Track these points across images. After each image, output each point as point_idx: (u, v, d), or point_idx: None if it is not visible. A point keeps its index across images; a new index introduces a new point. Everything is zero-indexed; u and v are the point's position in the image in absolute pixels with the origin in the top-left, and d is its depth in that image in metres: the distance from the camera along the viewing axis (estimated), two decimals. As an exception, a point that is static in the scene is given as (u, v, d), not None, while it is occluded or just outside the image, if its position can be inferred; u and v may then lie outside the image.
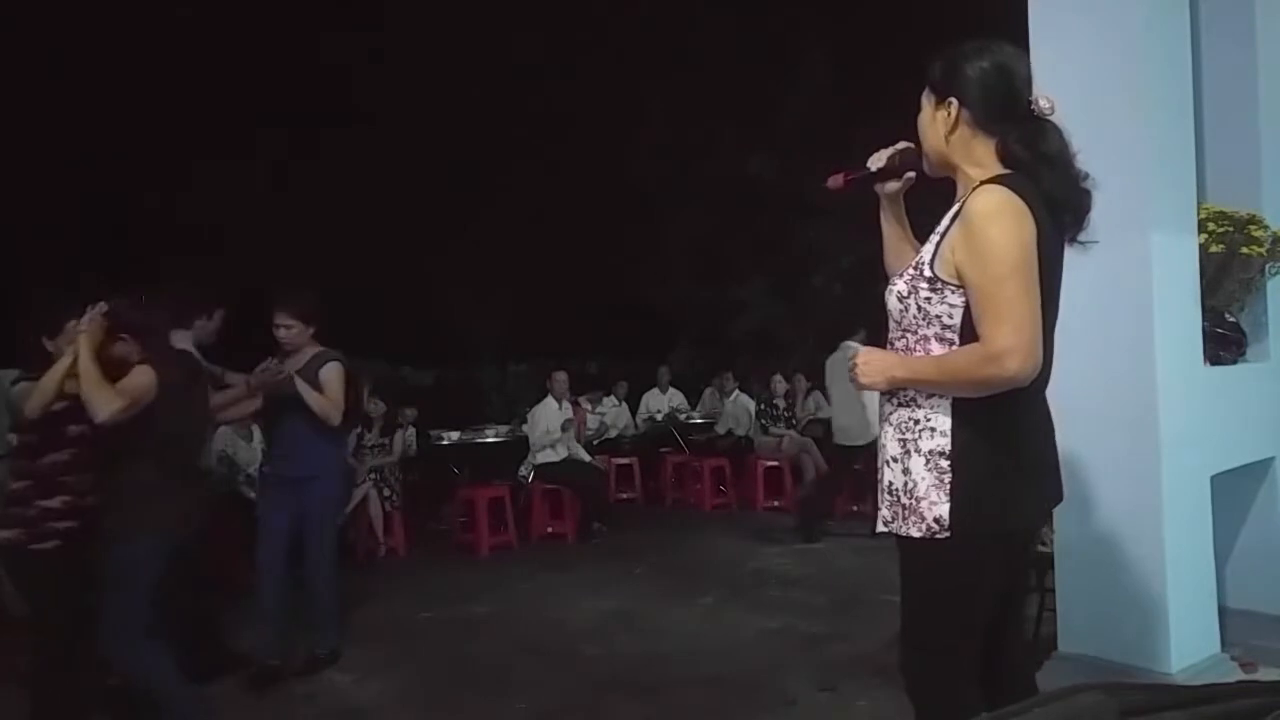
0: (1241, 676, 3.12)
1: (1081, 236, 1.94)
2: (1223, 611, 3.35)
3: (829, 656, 4.28)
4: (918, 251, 1.99)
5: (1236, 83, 3.68)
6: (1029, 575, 3.41)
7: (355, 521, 7.27)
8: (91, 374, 3.24)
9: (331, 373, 4.31)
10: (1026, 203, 1.81)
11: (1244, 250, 3.44)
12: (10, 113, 9.38)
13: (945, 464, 1.87)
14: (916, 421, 1.92)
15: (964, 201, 1.88)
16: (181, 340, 4.34)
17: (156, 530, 3.32)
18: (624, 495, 9.21)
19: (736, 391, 9.82)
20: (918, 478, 1.90)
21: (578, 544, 7.46)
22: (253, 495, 5.35)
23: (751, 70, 11.28)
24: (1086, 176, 1.91)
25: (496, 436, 8.13)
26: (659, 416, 10.25)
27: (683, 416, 10.12)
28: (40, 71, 10.03)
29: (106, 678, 3.66)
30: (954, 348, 1.88)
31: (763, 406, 9.26)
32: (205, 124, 10.75)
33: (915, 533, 1.90)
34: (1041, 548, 3.47)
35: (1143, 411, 3.03)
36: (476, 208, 11.98)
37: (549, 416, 7.75)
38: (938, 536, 1.87)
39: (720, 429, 9.65)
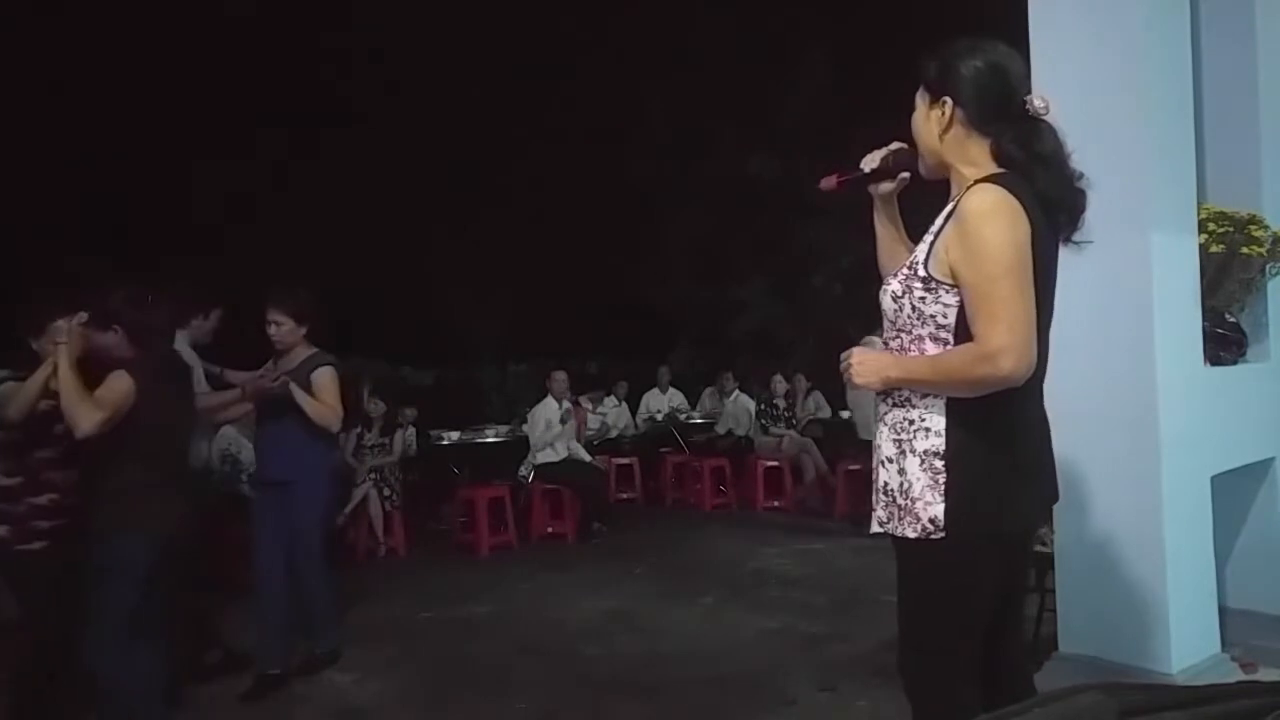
0: (1241, 677, 3.12)
1: (1076, 236, 1.94)
2: (1223, 611, 3.35)
3: (829, 656, 4.28)
4: (912, 252, 1.98)
5: (1236, 83, 3.68)
6: (1029, 575, 3.41)
7: (355, 521, 7.28)
8: (71, 387, 3.20)
9: (325, 378, 4.25)
10: (1021, 202, 1.81)
11: (1244, 250, 3.44)
12: (10, 113, 9.37)
13: (940, 464, 1.87)
14: (911, 422, 1.92)
15: (958, 201, 1.88)
16: (179, 339, 4.35)
17: (143, 529, 3.29)
18: (624, 495, 9.21)
19: (736, 391, 9.82)
20: (913, 478, 1.89)
21: (578, 544, 7.46)
22: (254, 495, 5.35)
23: (751, 70, 11.28)
24: (1081, 176, 1.91)
25: (496, 436, 8.13)
26: (659, 416, 10.26)
27: (683, 416, 10.13)
28: (40, 71, 10.03)
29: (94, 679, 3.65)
30: (949, 347, 1.88)
31: (763, 406, 9.27)
32: (205, 124, 10.75)
33: (911, 533, 1.89)
34: (1041, 548, 3.47)
35: (1143, 412, 3.03)
36: (476, 208, 11.97)
37: (549, 416, 7.75)
38: (933, 537, 1.86)
39: (720, 429, 9.65)
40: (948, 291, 1.86)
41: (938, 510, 1.86)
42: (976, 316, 1.80)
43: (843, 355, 2.02)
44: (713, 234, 12.08)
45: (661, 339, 12.65)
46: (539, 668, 4.39)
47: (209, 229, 10.72)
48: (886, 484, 1.96)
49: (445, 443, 7.90)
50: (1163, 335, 3.05)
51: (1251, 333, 3.65)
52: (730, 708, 3.77)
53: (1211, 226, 3.35)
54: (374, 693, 4.15)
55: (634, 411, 10.44)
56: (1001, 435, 1.87)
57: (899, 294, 1.94)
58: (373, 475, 7.37)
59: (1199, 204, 3.35)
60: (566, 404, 7.86)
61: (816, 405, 9.35)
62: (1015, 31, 3.10)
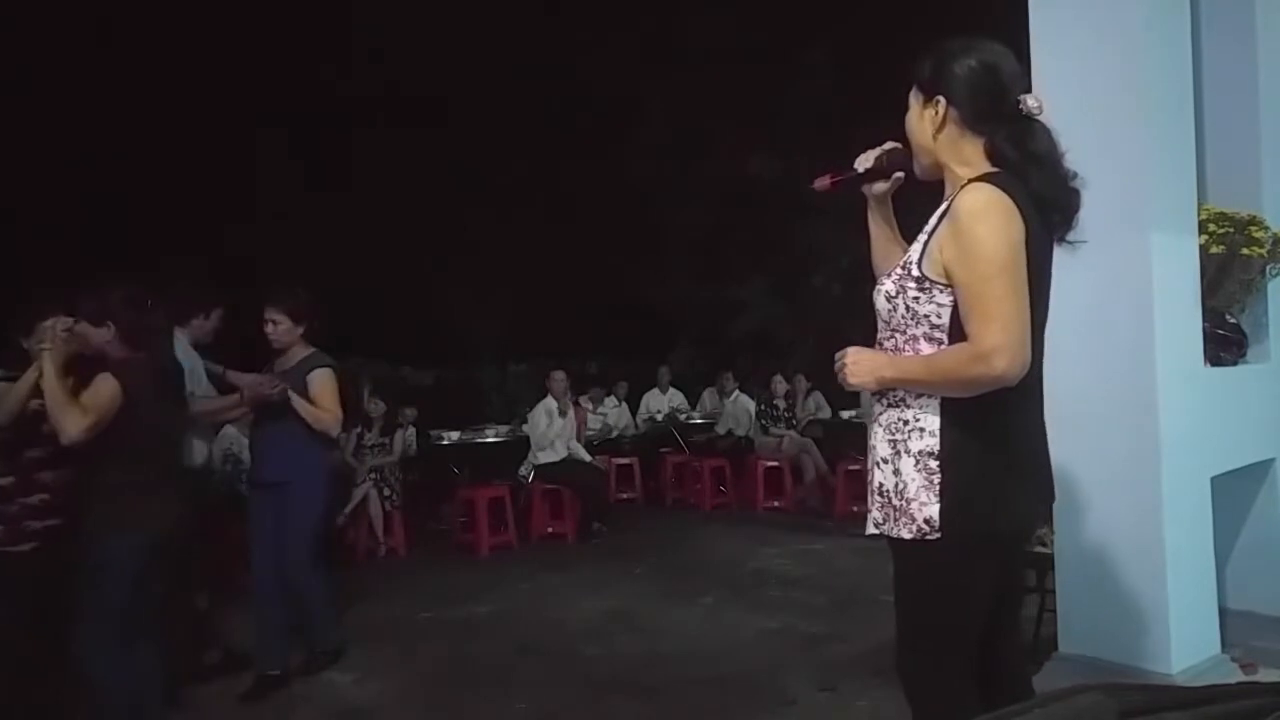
0: (1241, 677, 3.12)
1: (1071, 236, 1.93)
2: (1223, 612, 3.34)
3: (829, 656, 4.28)
4: (906, 252, 1.98)
5: (1236, 83, 3.68)
6: (1028, 576, 3.42)
7: (355, 521, 7.28)
8: (56, 392, 3.18)
9: (323, 380, 4.24)
10: (1015, 201, 1.80)
11: (1244, 251, 3.44)
12: (11, 112, 9.37)
13: (934, 464, 1.86)
14: (906, 422, 1.91)
15: (952, 200, 1.88)
16: (180, 338, 4.35)
17: (134, 529, 3.26)
18: (624, 495, 9.21)
19: (736, 392, 9.82)
20: (908, 479, 1.89)
21: (578, 544, 7.46)
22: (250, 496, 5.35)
23: (751, 70, 11.28)
24: (1075, 176, 1.91)
25: (496, 436, 8.13)
26: (659, 417, 10.26)
27: (683, 417, 10.13)
28: (40, 71, 10.03)
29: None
30: (943, 347, 1.88)
31: (763, 407, 9.27)
32: (205, 124, 10.75)
33: (906, 534, 1.89)
34: (1041, 548, 3.47)
35: (1143, 412, 3.03)
36: (476, 207, 11.97)
37: (549, 414, 7.76)
38: (928, 538, 1.86)
39: (720, 429, 9.65)
40: (942, 291, 1.86)
41: (933, 511, 1.85)
42: (970, 316, 1.80)
43: (837, 355, 2.02)
44: (713, 234, 12.08)
45: (661, 339, 12.65)
46: (539, 668, 4.39)
47: (208, 229, 10.71)
48: (882, 485, 1.96)
49: (445, 443, 7.90)
50: (1163, 336, 3.05)
51: (1251, 333, 3.65)
52: (730, 708, 3.77)
53: (1212, 227, 3.35)
54: (374, 693, 4.15)
55: (634, 411, 10.44)
56: (996, 435, 1.86)
57: (893, 294, 1.94)
58: (373, 475, 7.37)
59: (1199, 204, 3.35)
60: (567, 399, 7.89)
61: (817, 405, 9.34)
62: (1015, 31, 3.10)
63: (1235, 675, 3.14)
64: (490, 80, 11.73)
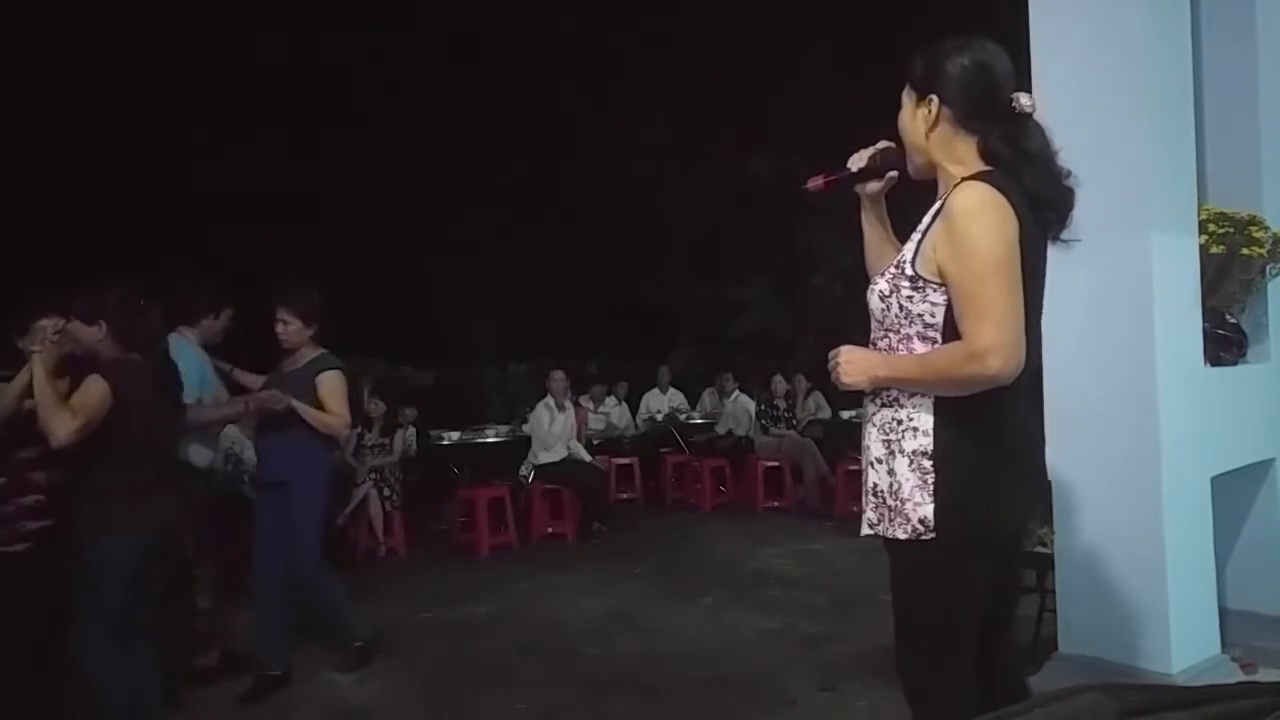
0: (1241, 677, 3.12)
1: (1065, 235, 1.93)
2: (1223, 612, 3.34)
3: (829, 656, 4.28)
4: (899, 252, 1.98)
5: (1236, 83, 3.68)
6: (1028, 575, 3.41)
7: (355, 521, 7.28)
8: (46, 395, 3.17)
9: (331, 383, 4.25)
10: (1009, 199, 1.80)
11: (1244, 251, 3.44)
12: (11, 112, 9.37)
13: (928, 464, 1.85)
14: (899, 422, 1.91)
15: (945, 199, 1.87)
16: (190, 338, 4.36)
17: (127, 530, 3.24)
18: (624, 495, 9.21)
19: (736, 392, 9.82)
20: (902, 479, 1.88)
21: (578, 544, 7.46)
22: (255, 496, 5.35)
23: (751, 70, 11.27)
24: (1069, 174, 1.90)
25: (496, 436, 8.13)
26: (659, 416, 10.26)
27: (683, 417, 10.13)
28: (40, 71, 10.03)
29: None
30: (936, 346, 1.87)
31: (763, 407, 9.27)
32: (205, 124, 10.74)
33: (901, 534, 1.88)
34: (1041, 548, 3.47)
35: (1143, 412, 3.03)
36: (477, 208, 11.97)
37: (549, 413, 7.76)
38: (923, 538, 1.85)
39: (720, 429, 9.65)
40: (935, 290, 1.86)
41: (927, 511, 1.85)
42: (964, 314, 1.79)
43: (830, 354, 2.01)
44: (713, 234, 12.08)
45: (661, 339, 12.66)
46: (539, 668, 4.39)
47: (208, 229, 10.71)
48: (876, 485, 1.95)
49: (445, 443, 7.90)
50: (1163, 336, 3.05)
51: (1252, 333, 3.65)
52: (730, 708, 3.77)
53: (1212, 227, 3.35)
54: (374, 693, 4.15)
55: (634, 411, 10.44)
56: (990, 434, 1.86)
57: (886, 293, 1.94)
58: (373, 475, 7.37)
59: (1199, 204, 3.35)
60: (567, 399, 7.89)
61: (817, 405, 9.34)
62: (1015, 31, 3.10)
63: (1235, 675, 3.14)
64: (490, 80, 11.73)
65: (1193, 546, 3.15)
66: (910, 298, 1.89)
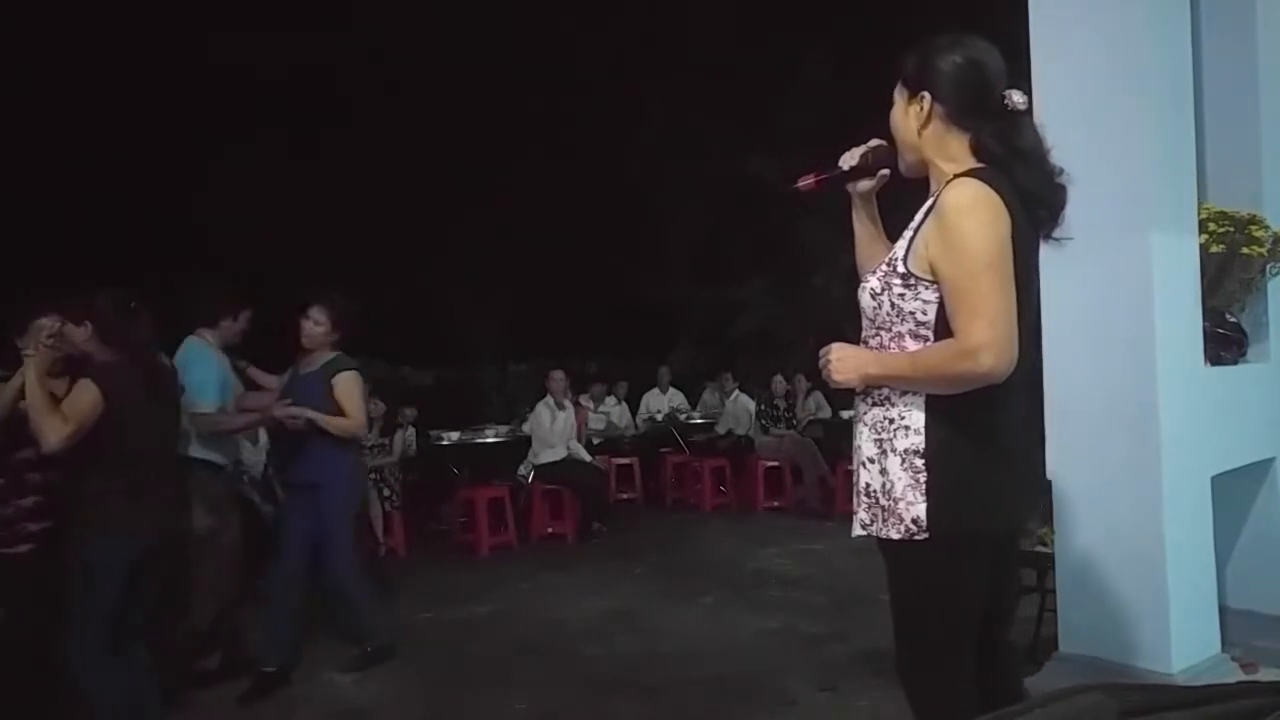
0: (1242, 677, 3.11)
1: (1057, 233, 1.92)
2: (1223, 612, 3.34)
3: (829, 656, 4.28)
4: (891, 250, 1.97)
5: (1236, 82, 3.68)
6: (1028, 575, 3.42)
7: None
8: (38, 400, 3.15)
9: (349, 385, 4.25)
10: (1001, 197, 1.79)
11: (1245, 250, 3.44)
12: (11, 112, 9.37)
13: (921, 463, 1.84)
14: (891, 420, 1.89)
15: (937, 196, 1.87)
16: (210, 339, 4.36)
17: (120, 532, 3.23)
18: (624, 495, 9.21)
19: (736, 392, 9.82)
20: (894, 478, 1.87)
21: (578, 544, 7.46)
22: (256, 498, 5.35)
23: (751, 70, 11.27)
24: (1061, 172, 1.90)
25: (496, 436, 8.13)
26: (659, 416, 10.26)
27: (683, 416, 10.13)
28: (41, 71, 10.03)
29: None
30: (928, 344, 1.87)
31: (763, 407, 9.27)
32: (205, 124, 10.74)
33: (894, 534, 1.87)
34: (1041, 547, 3.47)
35: (1143, 412, 3.03)
36: (476, 208, 11.97)
37: (550, 413, 7.76)
38: (917, 538, 1.84)
39: (720, 429, 9.66)
40: (927, 288, 1.85)
41: (920, 510, 1.83)
42: (957, 312, 1.79)
43: (821, 351, 2.00)
44: (713, 234, 12.08)
45: (661, 339, 12.66)
46: (539, 668, 4.39)
47: (208, 229, 10.72)
48: (869, 485, 1.94)
49: (445, 443, 7.90)
50: (1163, 335, 3.05)
51: (1252, 333, 3.64)
52: (730, 708, 3.77)
53: (1212, 226, 3.35)
54: (374, 693, 4.15)
55: (634, 411, 10.44)
56: (983, 432, 1.85)
57: (878, 291, 1.93)
58: (373, 475, 7.35)
59: (1199, 204, 3.35)
60: (566, 399, 7.89)
61: (817, 405, 9.35)
62: (1015, 31, 3.10)
63: (1235, 675, 3.14)
64: (490, 80, 11.73)
65: (1193, 546, 3.15)
66: (902, 295, 1.88)
